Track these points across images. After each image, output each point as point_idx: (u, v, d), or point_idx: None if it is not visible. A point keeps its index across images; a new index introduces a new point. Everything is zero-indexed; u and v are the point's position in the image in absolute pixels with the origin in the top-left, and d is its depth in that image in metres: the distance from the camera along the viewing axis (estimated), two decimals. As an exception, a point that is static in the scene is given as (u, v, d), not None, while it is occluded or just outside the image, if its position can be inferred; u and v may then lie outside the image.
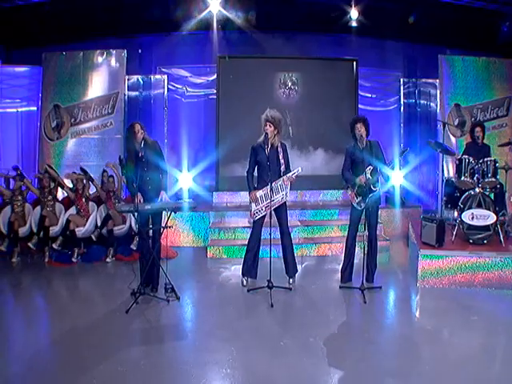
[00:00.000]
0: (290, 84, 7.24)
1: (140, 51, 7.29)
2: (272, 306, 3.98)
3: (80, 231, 5.61)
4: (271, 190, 4.18)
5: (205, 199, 6.81)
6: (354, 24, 7.19)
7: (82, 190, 5.91)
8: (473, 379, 2.79)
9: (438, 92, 7.48)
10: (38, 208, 5.83)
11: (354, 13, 7.14)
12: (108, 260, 5.57)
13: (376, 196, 4.41)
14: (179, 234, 6.27)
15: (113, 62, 6.96)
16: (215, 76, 7.25)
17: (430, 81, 7.69)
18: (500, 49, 8.36)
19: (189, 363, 3.02)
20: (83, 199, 5.90)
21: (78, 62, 6.87)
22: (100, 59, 6.94)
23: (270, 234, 4.19)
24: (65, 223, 5.60)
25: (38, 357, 3.14)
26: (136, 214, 4.17)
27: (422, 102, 7.76)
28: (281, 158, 4.35)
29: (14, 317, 4.09)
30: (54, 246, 5.49)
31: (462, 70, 7.37)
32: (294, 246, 4.59)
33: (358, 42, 7.61)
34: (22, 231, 5.62)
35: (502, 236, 4.73)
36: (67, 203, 6.10)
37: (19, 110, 7.33)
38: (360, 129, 4.39)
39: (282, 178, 4.32)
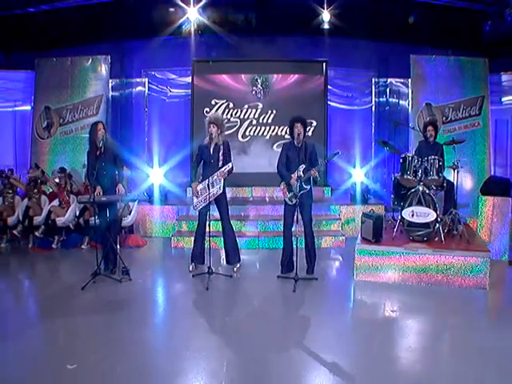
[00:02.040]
0: (262, 85, 7.91)
1: (124, 56, 8.11)
2: (207, 289, 4.66)
3: (60, 221, 6.48)
4: (206, 185, 4.85)
5: (177, 195, 7.57)
6: (326, 26, 7.72)
7: (65, 184, 6.79)
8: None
9: (410, 91, 7.92)
10: (26, 200, 6.75)
11: (326, 15, 7.68)
12: (83, 247, 6.44)
13: (308, 193, 4.93)
14: (152, 225, 7.09)
15: (98, 66, 7.85)
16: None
17: (402, 80, 8.14)
18: (483, 48, 8.72)
19: (122, 329, 3.76)
20: (65, 193, 6.77)
21: (66, 67, 7.80)
22: (86, 64, 7.85)
23: (209, 226, 4.89)
24: (47, 213, 6.48)
25: (15, 310, 4.25)
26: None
27: (393, 101, 8.21)
28: (221, 155, 5.00)
29: (2, 290, 5.02)
30: (37, 233, 6.40)
31: (433, 69, 7.79)
32: (253, 239, 5.18)
33: (336, 43, 8.16)
34: (11, 220, 6.56)
35: (442, 234, 5.10)
36: (53, 196, 7.00)
37: (16, 108, 8.34)
38: (299, 128, 4.92)
39: (216, 173, 4.92)
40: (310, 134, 7.75)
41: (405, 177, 5.37)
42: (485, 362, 3.14)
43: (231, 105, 7.98)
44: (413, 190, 5.24)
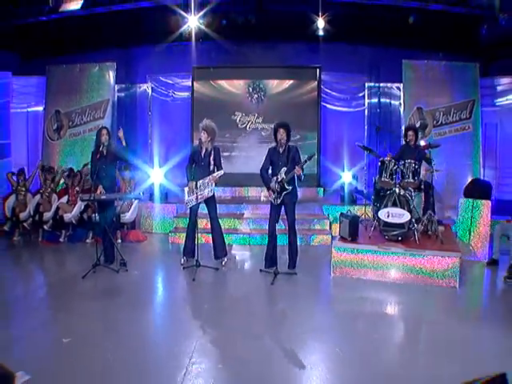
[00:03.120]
0: (258, 90, 8.47)
1: (129, 61, 8.78)
2: (194, 280, 5.24)
3: (67, 217, 7.16)
4: (196, 185, 5.41)
5: (176, 194, 8.18)
6: (321, 33, 8.21)
7: (72, 183, 7.47)
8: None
9: (402, 95, 8.35)
10: (37, 197, 7.47)
11: (320, 22, 8.17)
12: (88, 241, 7.10)
13: (291, 193, 5.40)
14: (152, 221, 7.73)
15: (105, 73, 8.56)
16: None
17: (395, 84, 8.57)
18: (479, 52, 9.07)
19: (114, 312, 4.38)
20: (74, 191, 7.46)
21: (75, 74, 8.53)
22: (94, 71, 8.56)
23: (195, 221, 5.47)
24: (55, 210, 7.17)
25: (24, 293, 4.90)
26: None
27: (386, 104, 8.66)
28: (211, 159, 5.57)
29: (15, 277, 5.72)
30: (46, 227, 7.10)
31: (424, 74, 8.21)
32: (245, 236, 5.70)
33: (331, 48, 8.67)
34: (23, 215, 7.28)
35: (417, 234, 5.54)
36: (62, 194, 7.70)
37: (28, 109, 9.10)
38: (282, 134, 5.40)
39: (208, 177, 5.48)
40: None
41: (382, 179, 5.84)
42: (448, 352, 3.52)
43: (230, 110, 8.59)
44: (388, 192, 5.70)
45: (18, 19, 8.67)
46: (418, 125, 8.17)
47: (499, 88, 8.39)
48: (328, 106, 8.73)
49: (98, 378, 3.15)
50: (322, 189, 8.38)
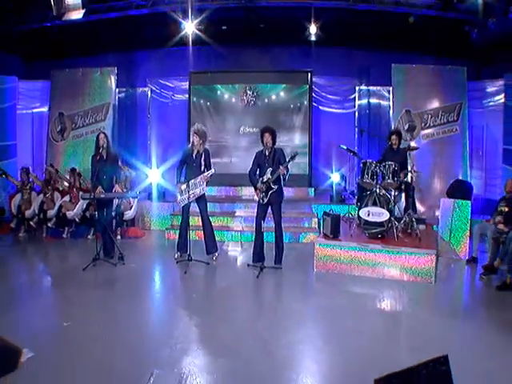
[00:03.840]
0: (252, 94, 8.97)
1: (129, 65, 9.32)
2: (185, 272, 5.74)
3: (70, 214, 7.70)
4: (188, 185, 5.88)
5: (173, 193, 8.64)
6: (313, 38, 8.67)
7: (74, 182, 8.02)
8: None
9: (391, 98, 8.79)
10: (41, 195, 8.01)
11: (312, 28, 8.63)
12: (89, 237, 7.63)
13: (277, 193, 5.83)
14: (150, 219, 8.27)
15: (106, 77, 9.09)
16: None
17: (384, 88, 9.01)
18: (470, 55, 9.48)
19: (111, 300, 4.90)
20: (75, 190, 8.00)
21: (78, 78, 9.07)
22: (96, 75, 9.08)
23: (188, 219, 5.98)
24: (58, 208, 7.72)
25: (29, 283, 5.42)
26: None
27: (375, 107, 9.11)
28: (202, 160, 6.06)
29: (21, 269, 6.35)
30: (50, 224, 7.65)
31: (413, 77, 8.63)
32: (237, 233, 6.17)
33: (323, 53, 9.15)
34: (28, 213, 7.83)
35: (395, 232, 6.00)
36: (65, 193, 8.23)
37: (34, 110, 9.67)
38: (267, 138, 5.85)
39: (200, 176, 5.95)
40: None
41: (364, 180, 6.30)
42: (422, 343, 3.88)
43: (225, 113, 9.11)
44: (369, 192, 6.16)
45: (23, 25, 9.25)
46: (406, 127, 8.61)
47: (487, 91, 8.78)
48: (320, 107, 9.24)
49: (95, 355, 3.63)
50: (313, 189, 8.85)
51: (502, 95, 8.25)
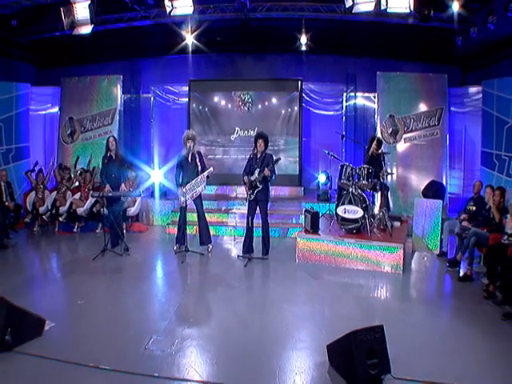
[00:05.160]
0: (247, 100, 9.94)
1: (134, 72, 10.31)
2: (182, 262, 6.72)
3: (80, 210, 8.70)
4: (189, 185, 6.78)
5: (174, 192, 9.60)
6: (304, 48, 9.58)
7: (84, 181, 9.02)
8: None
9: (376, 104, 9.67)
10: (54, 193, 9.02)
11: (303, 39, 9.53)
12: (97, 231, 8.63)
13: (262, 191, 6.75)
14: (153, 215, 9.28)
15: (112, 84, 10.06)
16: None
17: (370, 94, 9.90)
18: (456, 61, 10.32)
19: (118, 283, 5.88)
20: (86, 189, 9.00)
21: (86, 85, 10.06)
22: (103, 83, 10.07)
23: (185, 215, 6.94)
24: (69, 204, 8.72)
25: (46, 270, 6.40)
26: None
27: (361, 112, 10.01)
28: (197, 161, 6.99)
29: (36, 258, 7.37)
30: (61, 219, 8.65)
31: (397, 84, 9.49)
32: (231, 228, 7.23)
33: (313, 61, 10.10)
34: (42, 209, 8.84)
35: (369, 228, 6.87)
36: (75, 191, 9.24)
37: (46, 111, 10.70)
38: (261, 143, 6.82)
39: (199, 176, 6.83)
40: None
41: (342, 181, 7.21)
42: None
43: (222, 118, 10.10)
44: (345, 192, 7.07)
45: (35, 35, 10.26)
46: (390, 131, 9.48)
47: (467, 97, 9.62)
48: (311, 110, 10.18)
49: (104, 326, 4.59)
50: (303, 188, 9.80)
51: (481, 101, 9.06)
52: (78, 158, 9.51)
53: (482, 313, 5.04)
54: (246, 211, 7.03)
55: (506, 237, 5.65)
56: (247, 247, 7.01)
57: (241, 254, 7.01)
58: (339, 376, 3.68)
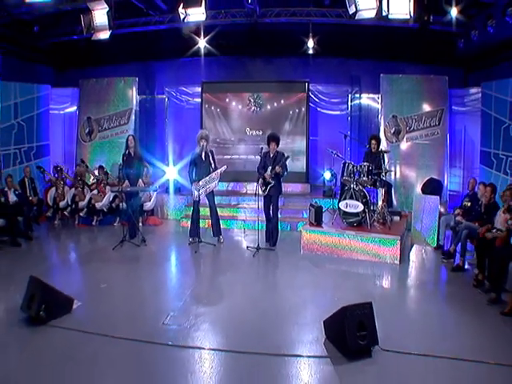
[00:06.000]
0: (257, 101, 10.56)
1: (149, 74, 10.98)
2: (196, 252, 7.36)
3: (98, 205, 9.37)
4: (203, 181, 7.40)
5: (187, 188, 10.23)
6: (311, 51, 10.13)
7: (101, 178, 9.70)
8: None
9: (380, 105, 10.20)
10: (73, 189, 9.70)
11: (310, 43, 10.09)
12: (115, 224, 9.31)
13: (274, 187, 7.39)
14: (167, 209, 9.95)
15: (128, 85, 10.73)
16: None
17: (373, 95, 10.44)
18: (457, 64, 10.78)
19: (136, 270, 6.53)
20: (102, 184, 9.68)
21: (104, 86, 10.74)
22: (119, 84, 10.74)
23: (198, 209, 7.57)
24: (88, 199, 9.40)
25: (69, 259, 7.12)
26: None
27: (366, 112, 10.55)
28: (211, 159, 7.61)
29: (59, 249, 8.10)
30: (81, 214, 9.35)
31: (399, 86, 10.01)
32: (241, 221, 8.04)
33: (319, 63, 10.65)
34: (62, 204, 9.54)
35: (369, 221, 7.45)
36: (93, 187, 9.92)
37: (65, 111, 11.43)
38: (273, 145, 7.48)
39: (213, 173, 7.44)
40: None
41: (344, 178, 7.79)
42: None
43: (233, 117, 10.77)
44: (347, 188, 7.65)
45: (54, 38, 10.93)
46: (392, 130, 10.00)
47: (467, 98, 10.11)
48: (318, 110, 10.74)
49: (125, 305, 5.25)
50: (310, 185, 10.41)
51: (480, 102, 9.54)
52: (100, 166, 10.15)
53: (469, 298, 5.59)
54: (263, 206, 7.65)
55: (494, 230, 6.16)
56: (268, 236, 7.72)
57: (250, 245, 7.61)
58: (333, 347, 4.25)
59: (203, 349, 4.25)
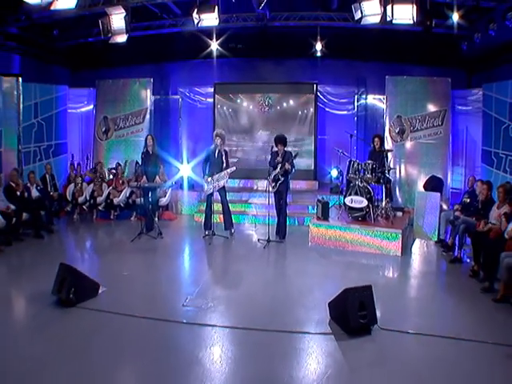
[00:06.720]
0: (267, 102, 11.12)
1: (163, 75, 11.60)
2: (209, 244, 7.93)
3: (116, 200, 9.96)
4: (213, 178, 7.97)
5: (200, 184, 10.78)
6: (319, 54, 10.63)
7: (118, 175, 10.29)
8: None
9: (385, 105, 10.69)
10: (91, 185, 10.29)
11: (318, 46, 10.59)
12: (132, 219, 9.88)
13: (283, 183, 7.93)
14: (182, 205, 10.55)
15: (143, 86, 11.30)
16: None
17: (379, 96, 10.94)
18: (461, 66, 11.22)
19: (154, 259, 7.11)
20: (120, 181, 10.27)
21: (120, 87, 11.32)
22: (135, 85, 11.32)
23: (211, 204, 8.14)
24: (106, 195, 9.99)
25: (92, 250, 7.73)
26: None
27: (372, 112, 11.06)
28: (223, 158, 8.16)
29: (79, 241, 8.68)
30: (100, 208, 9.94)
31: (404, 87, 10.48)
32: (252, 216, 8.66)
33: (329, 64, 11.18)
34: (80, 199, 10.13)
35: (373, 216, 7.98)
36: (110, 183, 10.50)
37: (82, 109, 12.06)
38: (280, 146, 8.00)
39: (223, 171, 8.03)
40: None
41: (349, 175, 8.30)
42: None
43: (245, 117, 11.37)
44: (352, 184, 8.16)
45: (71, 41, 11.51)
46: (397, 130, 10.48)
47: (469, 99, 10.56)
48: (326, 109, 11.32)
49: (146, 290, 5.81)
50: (317, 182, 10.96)
51: (481, 102, 10.00)
52: (126, 161, 10.76)
53: (465, 287, 6.08)
54: (274, 201, 8.21)
55: (488, 223, 6.64)
56: (278, 230, 8.26)
57: (260, 238, 8.16)
58: (337, 325, 4.77)
59: (220, 326, 4.78)
